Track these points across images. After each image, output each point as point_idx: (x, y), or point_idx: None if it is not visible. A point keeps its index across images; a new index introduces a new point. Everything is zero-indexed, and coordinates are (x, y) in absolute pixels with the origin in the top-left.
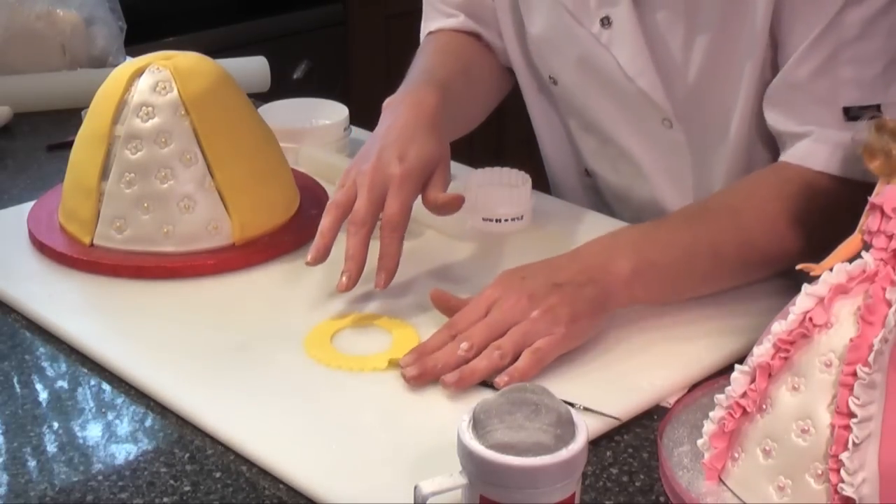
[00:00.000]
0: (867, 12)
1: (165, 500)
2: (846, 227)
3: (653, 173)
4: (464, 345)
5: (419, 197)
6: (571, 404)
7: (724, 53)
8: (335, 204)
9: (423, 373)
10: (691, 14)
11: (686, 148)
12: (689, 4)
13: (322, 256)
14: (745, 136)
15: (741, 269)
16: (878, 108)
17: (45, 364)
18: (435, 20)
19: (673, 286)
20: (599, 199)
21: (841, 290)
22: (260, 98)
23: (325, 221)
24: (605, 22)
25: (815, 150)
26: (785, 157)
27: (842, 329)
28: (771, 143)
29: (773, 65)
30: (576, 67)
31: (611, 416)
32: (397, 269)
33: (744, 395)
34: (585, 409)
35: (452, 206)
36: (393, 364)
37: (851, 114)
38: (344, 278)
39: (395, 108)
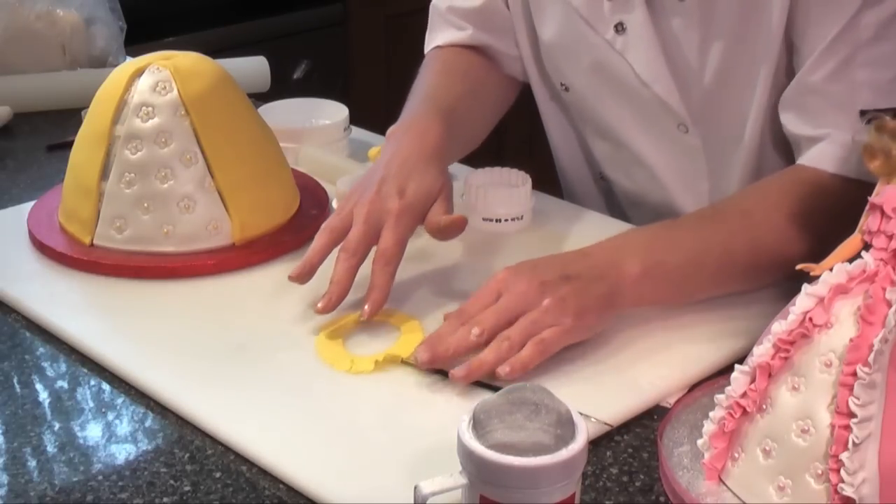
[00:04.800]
0: (883, 15)
1: (165, 500)
2: None
3: (668, 178)
4: (475, 330)
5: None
6: None
7: (740, 58)
8: (329, 228)
9: (434, 357)
10: (707, 19)
11: (701, 153)
12: (705, 10)
13: (306, 275)
14: (760, 141)
15: (751, 272)
16: (894, 111)
17: (45, 364)
18: (442, 33)
19: (682, 287)
20: (614, 203)
21: (841, 290)
22: (260, 98)
23: (317, 243)
24: (620, 28)
25: (828, 152)
26: (800, 160)
27: (842, 329)
28: (785, 148)
29: (788, 69)
30: (589, 74)
31: (603, 423)
32: (385, 303)
33: (744, 395)
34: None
35: (454, 228)
36: (407, 360)
37: (868, 117)
38: (323, 302)
39: (399, 139)
